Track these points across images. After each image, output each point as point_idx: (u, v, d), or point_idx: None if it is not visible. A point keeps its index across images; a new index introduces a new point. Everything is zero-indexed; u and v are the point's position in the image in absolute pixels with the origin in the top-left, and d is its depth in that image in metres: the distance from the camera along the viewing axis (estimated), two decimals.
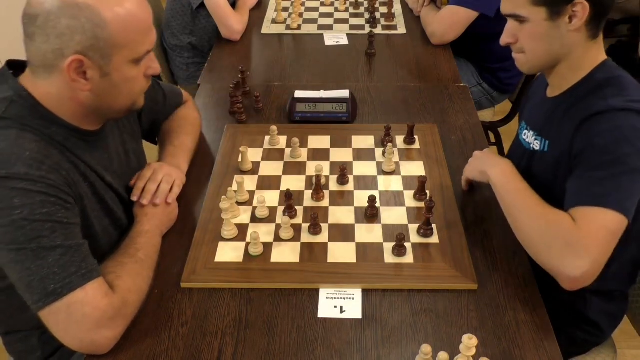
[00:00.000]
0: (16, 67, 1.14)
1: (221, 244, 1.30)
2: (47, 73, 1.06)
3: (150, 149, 1.57)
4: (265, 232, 1.32)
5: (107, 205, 1.22)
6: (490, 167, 1.30)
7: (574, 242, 1.08)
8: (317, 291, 1.20)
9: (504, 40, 1.28)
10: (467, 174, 1.42)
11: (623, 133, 1.12)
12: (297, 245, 1.29)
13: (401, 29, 2.33)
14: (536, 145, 1.34)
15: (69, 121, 1.12)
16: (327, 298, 1.18)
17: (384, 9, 2.45)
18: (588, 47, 1.22)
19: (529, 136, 1.38)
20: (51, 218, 1.02)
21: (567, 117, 1.24)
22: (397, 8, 2.50)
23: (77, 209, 1.10)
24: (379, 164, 1.53)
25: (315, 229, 1.31)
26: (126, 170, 1.32)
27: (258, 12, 2.48)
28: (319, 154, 1.58)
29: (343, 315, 1.15)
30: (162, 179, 1.33)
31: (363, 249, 1.28)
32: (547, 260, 1.12)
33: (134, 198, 1.30)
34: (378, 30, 2.31)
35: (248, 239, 1.30)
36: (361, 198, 1.41)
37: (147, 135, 1.55)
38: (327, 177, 1.48)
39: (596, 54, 1.24)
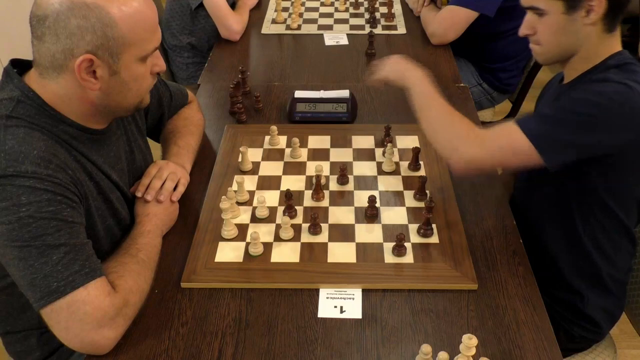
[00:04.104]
0: (19, 66, 1.14)
1: (221, 244, 1.30)
2: (56, 73, 1.07)
3: (155, 148, 1.57)
4: (265, 232, 1.32)
5: (112, 204, 1.22)
6: (410, 70, 1.40)
7: (475, 135, 1.24)
8: (317, 291, 1.20)
9: (522, 31, 1.30)
10: (385, 72, 1.47)
11: (600, 99, 1.15)
12: (297, 245, 1.29)
13: (401, 29, 2.33)
14: None
15: (76, 120, 1.13)
16: (327, 298, 1.18)
17: (384, 9, 2.45)
18: (602, 40, 1.24)
19: None
20: (57, 216, 1.02)
21: (570, 93, 1.26)
22: (397, 8, 2.50)
23: (83, 208, 1.11)
24: (379, 164, 1.53)
25: (315, 229, 1.31)
26: (131, 167, 1.33)
27: (258, 12, 2.48)
28: (319, 154, 1.58)
29: (343, 315, 1.15)
30: (167, 176, 1.34)
31: (363, 249, 1.28)
32: (445, 143, 1.28)
33: (139, 194, 1.30)
34: (378, 30, 2.31)
35: (248, 239, 1.30)
36: (361, 198, 1.41)
37: (151, 133, 1.56)
38: (327, 177, 1.48)
39: (612, 46, 1.26)
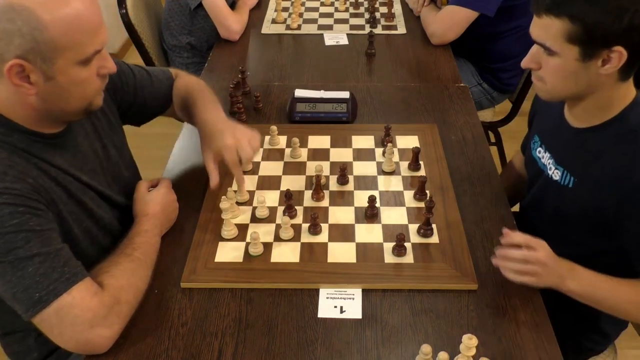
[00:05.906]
0: None
1: (221, 244, 1.29)
2: None
3: (139, 137, 1.50)
4: (265, 232, 1.32)
5: (86, 206, 1.19)
6: (564, 280, 1.14)
7: None
8: (317, 291, 1.20)
9: (526, 64, 1.21)
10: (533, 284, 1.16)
11: None
12: (297, 245, 1.29)
13: (401, 29, 2.33)
14: (556, 175, 1.30)
15: (28, 126, 1.09)
16: (327, 298, 1.18)
17: (384, 9, 2.45)
18: (617, 87, 1.16)
19: (545, 157, 1.35)
20: (23, 228, 1.00)
21: (600, 161, 1.19)
22: (397, 8, 2.50)
23: (51, 214, 1.08)
24: (379, 164, 1.53)
25: (315, 229, 1.31)
26: (106, 165, 1.29)
27: (258, 12, 2.48)
28: (319, 154, 1.58)
29: (343, 315, 1.15)
30: (247, 148, 1.36)
31: (363, 249, 1.28)
32: None
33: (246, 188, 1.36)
34: (378, 30, 2.30)
35: (248, 239, 1.30)
36: (361, 198, 1.40)
37: (143, 120, 1.51)
38: (327, 177, 1.48)
39: (626, 91, 1.18)
